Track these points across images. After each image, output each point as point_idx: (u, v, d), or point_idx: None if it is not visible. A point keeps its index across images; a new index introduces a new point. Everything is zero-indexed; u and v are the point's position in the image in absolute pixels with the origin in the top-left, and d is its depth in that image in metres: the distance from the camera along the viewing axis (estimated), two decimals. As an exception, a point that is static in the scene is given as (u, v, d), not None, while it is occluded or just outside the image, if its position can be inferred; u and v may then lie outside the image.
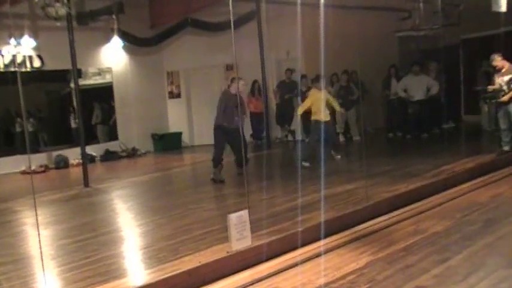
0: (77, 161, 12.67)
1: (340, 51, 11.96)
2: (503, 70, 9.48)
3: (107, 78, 14.52)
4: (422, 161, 9.38)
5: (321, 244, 5.42)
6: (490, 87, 9.79)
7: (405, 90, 13.10)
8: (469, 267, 4.53)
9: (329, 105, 10.32)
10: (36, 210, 6.20)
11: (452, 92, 14.25)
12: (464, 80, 15.08)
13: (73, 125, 13.61)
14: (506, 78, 9.37)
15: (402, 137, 13.37)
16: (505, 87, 9.37)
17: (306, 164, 9.95)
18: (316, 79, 10.32)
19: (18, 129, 13.39)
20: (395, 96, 13.58)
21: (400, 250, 5.15)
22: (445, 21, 12.79)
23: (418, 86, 12.91)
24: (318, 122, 9.94)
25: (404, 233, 5.75)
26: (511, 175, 8.39)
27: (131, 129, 14.81)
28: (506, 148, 9.52)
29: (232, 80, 9.36)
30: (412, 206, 6.82)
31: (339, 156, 10.60)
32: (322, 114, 9.91)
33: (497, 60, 9.54)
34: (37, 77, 13.00)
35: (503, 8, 10.02)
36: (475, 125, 13.72)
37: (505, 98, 9.38)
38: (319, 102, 9.93)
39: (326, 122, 9.99)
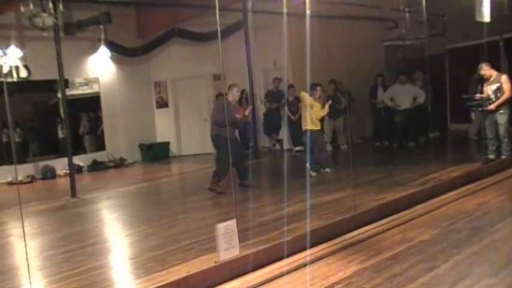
0: (64, 171, 12.59)
1: (327, 60, 12.03)
2: (492, 79, 9.55)
3: (94, 88, 14.48)
4: (409, 170, 9.43)
5: (309, 253, 5.44)
6: (478, 95, 9.84)
7: (392, 99, 13.17)
8: (455, 276, 4.55)
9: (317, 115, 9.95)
10: (22, 220, 6.17)
11: (439, 101, 14.37)
12: (450, 89, 15.19)
13: (60, 135, 13.54)
14: (494, 87, 9.44)
15: (389, 146, 13.43)
16: (492, 96, 9.45)
17: (328, 170, 10.10)
18: (311, 88, 9.87)
19: (4, 139, 13.31)
20: (382, 105, 13.66)
21: (387, 259, 5.17)
22: (430, 31, 12.92)
23: (404, 95, 12.98)
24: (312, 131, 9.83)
25: (391, 241, 5.77)
26: (497, 183, 8.46)
27: (119, 139, 14.77)
28: (491, 156, 9.59)
29: (230, 87, 9.14)
30: (399, 214, 6.85)
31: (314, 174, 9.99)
32: (314, 123, 9.83)
33: (485, 69, 9.60)
34: (24, 87, 12.92)
35: (487, 18, 10.13)
36: (461, 133, 13.82)
37: (492, 106, 9.44)
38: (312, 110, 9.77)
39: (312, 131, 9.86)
